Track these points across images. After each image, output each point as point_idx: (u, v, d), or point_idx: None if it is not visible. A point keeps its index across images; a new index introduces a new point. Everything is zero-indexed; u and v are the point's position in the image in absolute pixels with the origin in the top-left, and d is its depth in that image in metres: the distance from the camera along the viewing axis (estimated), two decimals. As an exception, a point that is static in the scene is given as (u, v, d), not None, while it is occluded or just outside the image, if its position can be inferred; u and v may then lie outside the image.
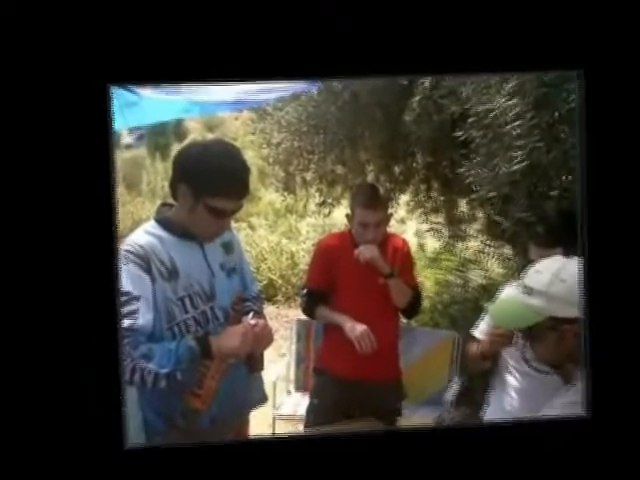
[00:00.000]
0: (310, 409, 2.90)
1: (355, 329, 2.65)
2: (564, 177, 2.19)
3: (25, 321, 1.25)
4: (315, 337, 3.53)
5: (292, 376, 3.67)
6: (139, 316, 1.86)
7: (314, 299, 2.83)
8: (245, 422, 2.26)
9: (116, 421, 1.30)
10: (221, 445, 1.45)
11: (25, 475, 1.30)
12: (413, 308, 2.88)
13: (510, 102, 2.14)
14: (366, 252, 2.68)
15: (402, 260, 2.79)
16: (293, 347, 3.70)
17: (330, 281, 2.80)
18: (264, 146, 3.92)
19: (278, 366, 3.63)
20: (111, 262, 1.25)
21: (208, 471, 1.37)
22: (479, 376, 2.57)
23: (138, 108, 3.11)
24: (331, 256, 2.81)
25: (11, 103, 1.19)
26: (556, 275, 1.82)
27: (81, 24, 1.20)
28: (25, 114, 1.20)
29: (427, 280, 3.84)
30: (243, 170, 1.99)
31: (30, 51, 1.19)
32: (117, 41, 1.21)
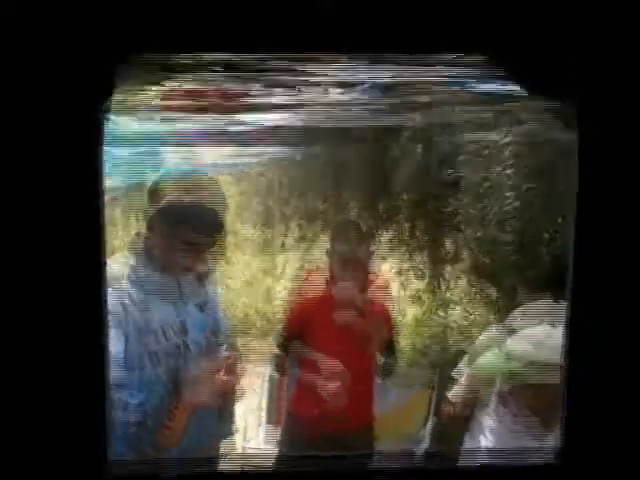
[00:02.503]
0: (280, 444, 2.84)
1: (327, 388, 2.57)
2: (559, 219, 2.16)
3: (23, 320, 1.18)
4: (287, 389, 3.48)
5: (264, 408, 3.64)
6: (110, 345, 1.80)
7: (289, 339, 2.76)
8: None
9: (100, 433, 1.25)
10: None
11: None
12: (388, 353, 2.80)
13: (505, 140, 2.11)
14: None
15: (381, 309, 2.71)
16: (265, 385, 3.65)
17: (306, 329, 2.72)
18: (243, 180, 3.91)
19: (250, 398, 3.58)
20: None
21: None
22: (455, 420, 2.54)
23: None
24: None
25: (11, 93, 1.12)
26: (539, 344, 1.86)
27: (88, 10, 1.14)
28: (29, 103, 1.13)
29: (407, 319, 3.79)
30: (220, 205, 1.99)
31: (36, 39, 1.12)
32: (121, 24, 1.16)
